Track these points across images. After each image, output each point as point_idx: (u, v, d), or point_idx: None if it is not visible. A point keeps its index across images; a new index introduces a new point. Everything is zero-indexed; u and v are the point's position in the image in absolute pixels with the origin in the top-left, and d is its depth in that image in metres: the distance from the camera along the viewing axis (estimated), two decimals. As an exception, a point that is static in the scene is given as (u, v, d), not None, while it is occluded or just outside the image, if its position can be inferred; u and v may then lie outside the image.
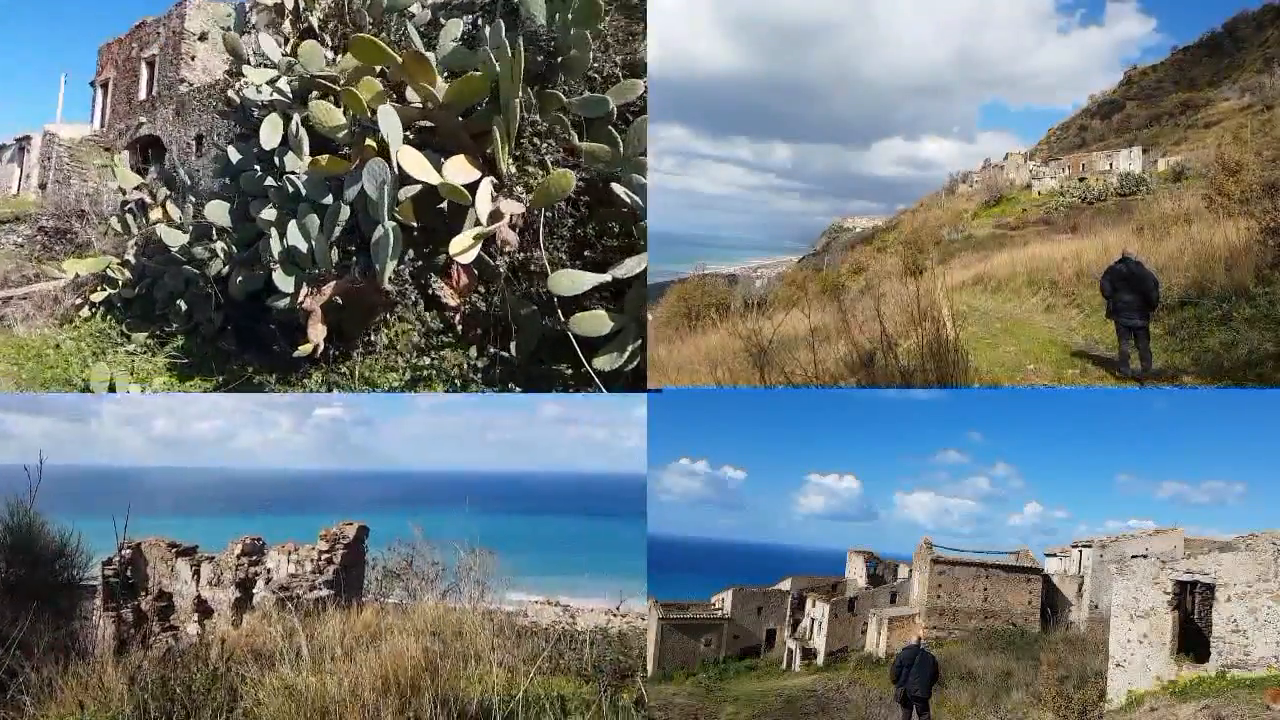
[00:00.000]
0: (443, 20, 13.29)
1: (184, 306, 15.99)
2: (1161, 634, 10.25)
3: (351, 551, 12.06)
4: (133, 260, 18.25)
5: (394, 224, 11.34)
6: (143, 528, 12.67)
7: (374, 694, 5.90)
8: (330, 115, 12.51)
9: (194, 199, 17.44)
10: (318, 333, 12.48)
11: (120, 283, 17.92)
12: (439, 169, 11.37)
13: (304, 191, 13.04)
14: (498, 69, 11.23)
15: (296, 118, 13.48)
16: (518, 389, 11.57)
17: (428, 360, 12.03)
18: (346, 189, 12.14)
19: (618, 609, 14.06)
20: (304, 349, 12.48)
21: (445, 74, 12.24)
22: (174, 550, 12.23)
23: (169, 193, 18.41)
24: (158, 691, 6.22)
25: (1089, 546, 20.00)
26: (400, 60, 11.75)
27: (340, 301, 12.57)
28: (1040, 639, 17.70)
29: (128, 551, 11.95)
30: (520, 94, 11.36)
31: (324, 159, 12.29)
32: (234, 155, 15.25)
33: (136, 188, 20.13)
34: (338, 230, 12.44)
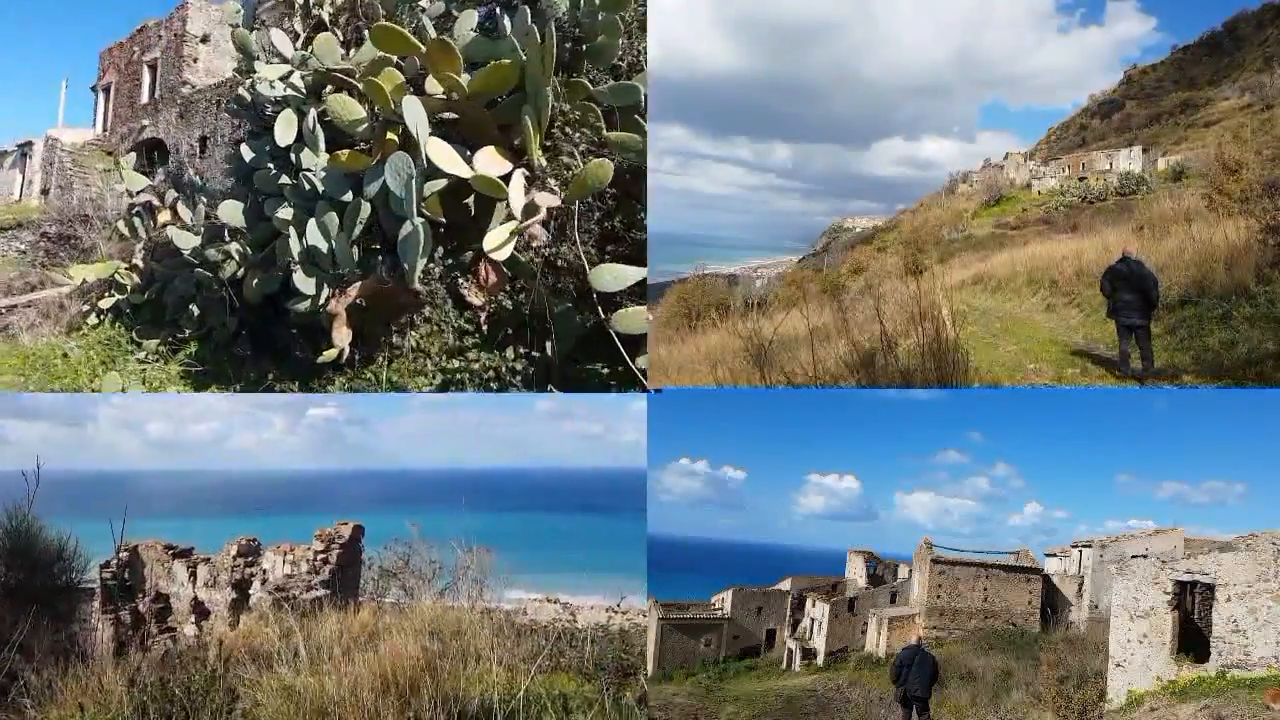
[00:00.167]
0: (455, 13, 12.91)
1: (196, 311, 15.48)
2: (1161, 634, 10.24)
3: (347, 551, 12.02)
4: (141, 264, 17.81)
5: (423, 220, 10.79)
6: (140, 530, 12.69)
7: (373, 694, 5.88)
8: (349, 109, 12.02)
9: (205, 200, 16.98)
10: (343, 336, 11.97)
11: (129, 288, 17.48)
12: (469, 162, 10.91)
13: (322, 188, 12.56)
14: (524, 56, 10.81)
15: (312, 113, 12.97)
16: (555, 390, 11.19)
17: (457, 363, 11.49)
18: (367, 185, 11.68)
19: (618, 605, 13.91)
20: (329, 354, 12.00)
21: (465, 65, 11.76)
22: (170, 552, 12.30)
23: (177, 194, 17.99)
24: (157, 693, 6.25)
25: (1089, 546, 19.99)
26: (424, 49, 11.28)
27: (362, 303, 12.06)
28: (1040, 639, 17.70)
29: (125, 554, 11.97)
30: (551, 82, 10.90)
31: (344, 154, 11.79)
32: (247, 153, 14.72)
33: (143, 190, 19.64)
34: (358, 228, 11.94)
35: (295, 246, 12.47)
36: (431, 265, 11.46)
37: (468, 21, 12.31)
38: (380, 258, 12.09)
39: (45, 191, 34.22)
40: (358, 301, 12.01)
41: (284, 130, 13.13)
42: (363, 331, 12.17)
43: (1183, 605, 10.50)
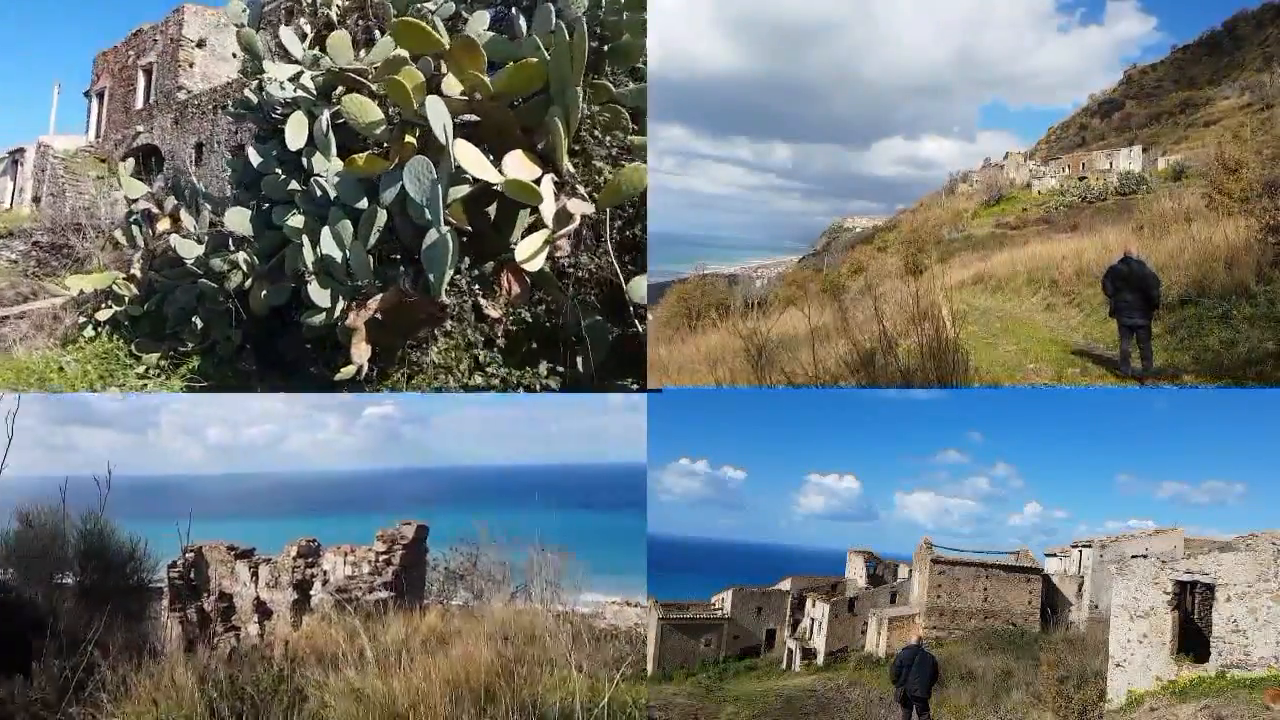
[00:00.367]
0: (465, 14, 12.36)
1: (199, 323, 14.67)
2: (1161, 634, 10.24)
3: (411, 552, 11.78)
4: (139, 274, 16.97)
5: (449, 228, 10.17)
6: (202, 532, 13.07)
7: (446, 700, 5.75)
8: (365, 110, 11.31)
9: (210, 207, 16.24)
10: (361, 353, 11.27)
11: (127, 299, 16.64)
12: (496, 166, 10.31)
13: (334, 194, 11.83)
14: (548, 55, 10.26)
15: (324, 115, 12.31)
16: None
17: (479, 379, 10.96)
18: (383, 191, 10.98)
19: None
20: (346, 371, 11.31)
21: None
22: (233, 553, 12.60)
23: (177, 202, 17.18)
24: (227, 690, 6.38)
25: (1089, 546, 19.98)
26: (448, 46, 10.66)
27: (379, 316, 11.38)
28: (1040, 639, 17.68)
29: (190, 555, 12.50)
30: (581, 82, 10.30)
31: (361, 158, 11.14)
32: (254, 158, 14.03)
33: (141, 197, 18.79)
34: (374, 237, 11.28)
35: (309, 256, 11.78)
36: (457, 276, 10.89)
37: (480, 22, 11.82)
38: (402, 268, 11.52)
39: (37, 199, 33.89)
40: (375, 315, 11.42)
41: (295, 133, 12.51)
42: (378, 345, 11.58)
43: (1183, 605, 10.50)
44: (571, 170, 10.87)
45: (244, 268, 14.02)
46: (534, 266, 10.34)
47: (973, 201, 65.21)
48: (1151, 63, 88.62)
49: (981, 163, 73.98)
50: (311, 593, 11.78)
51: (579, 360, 10.79)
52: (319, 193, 12.19)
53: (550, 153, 10.67)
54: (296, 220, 12.27)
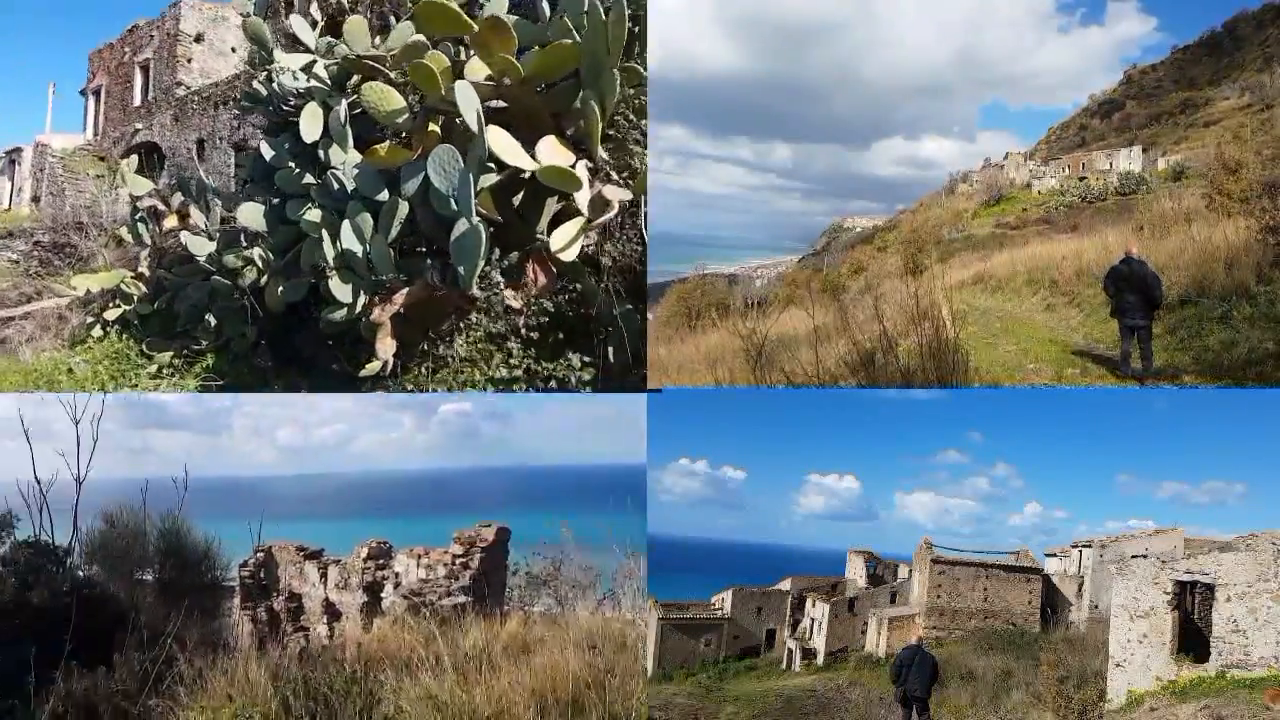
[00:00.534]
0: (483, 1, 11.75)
1: (213, 321, 14.30)
2: (1161, 634, 10.24)
3: (491, 555, 11.25)
4: (147, 273, 16.59)
5: (479, 219, 9.69)
6: (273, 532, 13.29)
7: (530, 711, 5.57)
8: (387, 98, 10.72)
9: (220, 202, 15.94)
10: (387, 348, 10.85)
11: (135, 297, 16.24)
12: (529, 153, 9.84)
13: (353, 187, 11.36)
14: (578, 37, 9.82)
15: (341, 105, 11.77)
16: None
17: (505, 373, 10.58)
18: (405, 182, 10.46)
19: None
20: (371, 367, 10.96)
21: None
22: (302, 553, 12.60)
23: (185, 198, 16.84)
24: (300, 689, 6.45)
25: (1089, 546, 19.99)
26: (476, 28, 10.13)
27: (403, 310, 10.94)
28: (1040, 639, 17.68)
29: (261, 555, 12.65)
30: (617, 65, 9.79)
31: (383, 148, 10.65)
32: (267, 151, 13.44)
33: (146, 194, 18.33)
34: (395, 229, 10.84)
35: (329, 251, 11.26)
36: (487, 268, 10.47)
37: (499, 4, 11.27)
38: (429, 260, 11.13)
39: (36, 199, 33.75)
40: (400, 309, 11.02)
41: (310, 125, 12.04)
42: (402, 340, 11.19)
43: (1183, 605, 10.50)
44: (605, 156, 10.51)
45: (258, 264, 13.66)
46: (569, 256, 9.98)
47: (973, 201, 65.26)
48: (1151, 63, 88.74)
49: (982, 163, 74.10)
50: (382, 595, 11.45)
51: (610, 351, 10.51)
52: (336, 186, 11.77)
53: (584, 138, 10.24)
54: (314, 214, 11.82)
